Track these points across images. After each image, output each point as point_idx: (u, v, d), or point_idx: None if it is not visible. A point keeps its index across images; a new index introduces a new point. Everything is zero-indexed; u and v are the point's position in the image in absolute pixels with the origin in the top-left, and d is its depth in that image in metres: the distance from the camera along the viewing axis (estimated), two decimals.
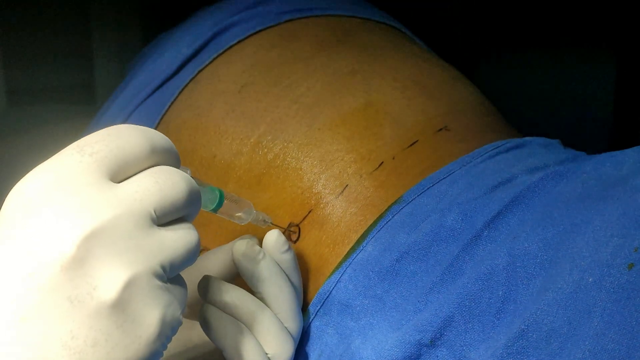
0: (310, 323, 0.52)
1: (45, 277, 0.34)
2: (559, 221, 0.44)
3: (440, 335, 0.46)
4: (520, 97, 0.68)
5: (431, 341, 0.46)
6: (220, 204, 0.47)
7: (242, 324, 0.48)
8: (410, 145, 0.55)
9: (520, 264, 0.44)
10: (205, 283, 0.49)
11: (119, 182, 0.37)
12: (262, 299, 0.49)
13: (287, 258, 0.50)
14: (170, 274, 0.38)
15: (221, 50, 0.64)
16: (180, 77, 0.65)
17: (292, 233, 0.54)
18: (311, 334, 0.52)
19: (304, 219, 0.54)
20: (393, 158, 0.54)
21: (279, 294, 0.49)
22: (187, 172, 0.42)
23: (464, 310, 0.45)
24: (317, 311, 0.52)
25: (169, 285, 0.38)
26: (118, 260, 0.35)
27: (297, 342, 0.50)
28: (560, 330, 0.40)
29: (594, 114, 0.81)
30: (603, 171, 0.47)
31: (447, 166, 0.53)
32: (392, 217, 0.51)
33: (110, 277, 0.35)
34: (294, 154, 0.56)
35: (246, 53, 0.63)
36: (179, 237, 0.38)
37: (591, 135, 0.56)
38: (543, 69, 0.85)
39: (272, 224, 0.52)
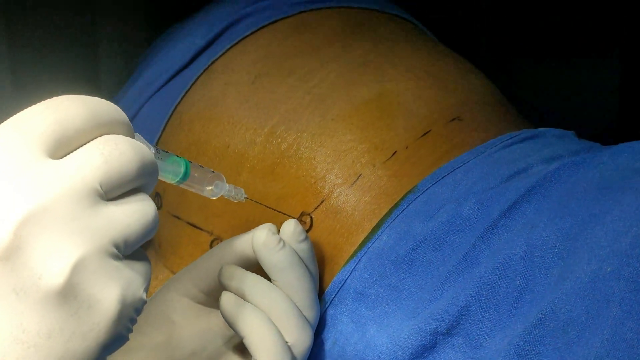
0: (324, 311, 0.52)
1: None
2: (576, 211, 0.44)
3: (457, 324, 0.46)
4: (522, 100, 0.68)
5: (447, 330, 0.46)
6: (185, 176, 0.45)
7: (263, 312, 0.48)
8: (423, 135, 0.55)
9: (538, 253, 0.44)
10: (225, 271, 0.49)
11: (60, 159, 0.34)
12: (280, 288, 0.49)
13: (304, 247, 0.50)
14: (126, 251, 0.35)
15: (235, 42, 0.64)
16: (193, 68, 0.65)
17: (304, 223, 0.54)
18: (325, 322, 0.52)
19: (316, 208, 0.54)
20: (406, 148, 0.55)
21: (298, 283, 0.49)
22: (150, 147, 0.40)
23: (481, 299, 0.45)
24: (332, 299, 0.52)
25: (127, 262, 0.35)
26: (62, 244, 0.32)
27: (314, 330, 0.51)
28: (578, 320, 0.40)
29: (598, 118, 0.81)
30: (620, 161, 0.47)
31: (462, 156, 0.53)
32: (407, 206, 0.51)
33: (56, 262, 0.32)
34: (307, 144, 0.56)
35: (260, 44, 0.63)
36: (133, 211, 0.35)
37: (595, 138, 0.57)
38: (544, 73, 0.85)
39: (248, 198, 0.52)
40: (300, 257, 0.50)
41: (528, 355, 0.42)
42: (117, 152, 0.35)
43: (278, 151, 0.57)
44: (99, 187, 0.34)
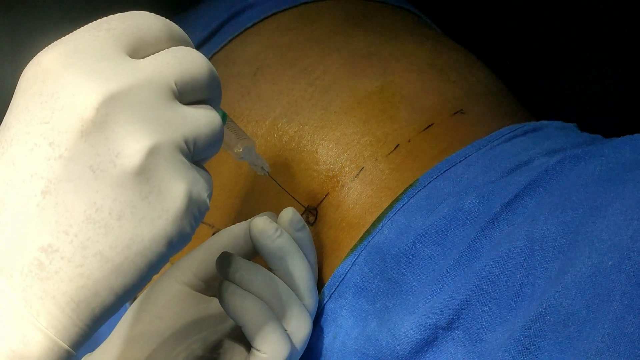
0: (324, 305, 0.52)
1: (65, 146, 0.33)
2: (577, 204, 0.44)
3: (457, 318, 0.45)
4: (524, 94, 0.68)
5: (448, 324, 0.46)
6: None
7: (261, 300, 0.48)
8: (426, 128, 0.55)
9: (539, 247, 0.44)
10: (223, 260, 0.49)
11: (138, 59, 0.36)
12: (278, 276, 0.49)
13: (302, 235, 0.50)
14: (195, 154, 0.37)
15: (236, 33, 0.64)
16: None
17: (310, 215, 0.54)
18: (325, 316, 0.52)
19: (321, 201, 0.54)
20: (409, 141, 0.54)
21: (296, 271, 0.49)
22: None
23: (481, 293, 0.45)
24: (332, 293, 0.52)
25: (194, 165, 0.37)
26: (140, 128, 0.33)
27: (313, 319, 0.51)
28: (579, 314, 0.40)
29: (600, 113, 0.81)
30: (622, 154, 0.46)
31: (463, 149, 0.53)
32: (408, 200, 0.51)
33: (133, 143, 0.33)
34: (309, 137, 0.56)
35: (262, 35, 0.63)
36: (202, 115, 0.37)
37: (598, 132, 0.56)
38: (547, 67, 0.85)
39: (269, 174, 0.52)
40: (298, 246, 0.50)
41: (528, 349, 0.42)
42: (190, 57, 0.37)
43: (280, 144, 0.56)
44: (174, 86, 0.36)
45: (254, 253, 0.51)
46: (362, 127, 0.55)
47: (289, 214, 0.50)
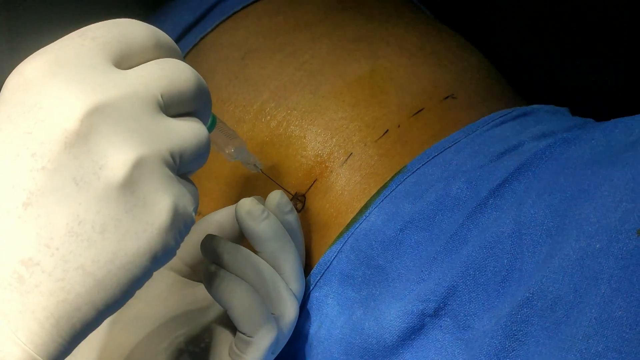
0: (310, 293, 0.51)
1: (48, 157, 0.32)
2: (565, 187, 0.43)
3: (444, 305, 0.45)
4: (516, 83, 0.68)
5: (435, 311, 0.45)
6: (209, 129, 0.45)
7: (247, 284, 0.47)
8: (416, 113, 0.54)
9: (526, 231, 0.43)
10: (208, 242, 0.48)
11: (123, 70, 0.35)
12: (265, 259, 0.48)
13: (290, 219, 0.50)
14: (181, 167, 0.36)
15: (225, 17, 0.63)
16: (182, 44, 0.64)
17: (298, 202, 0.53)
18: (310, 304, 0.52)
19: (309, 188, 0.53)
20: (398, 126, 0.54)
21: (282, 254, 0.48)
22: None
23: (468, 279, 0.44)
24: (317, 281, 0.51)
25: (180, 179, 0.36)
26: (124, 140, 0.33)
27: (300, 303, 0.50)
28: (566, 298, 0.39)
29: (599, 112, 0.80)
30: (612, 137, 0.46)
31: (453, 135, 0.52)
32: (397, 186, 0.50)
33: (117, 156, 0.33)
34: (297, 122, 0.55)
35: (250, 20, 0.62)
36: (189, 128, 0.36)
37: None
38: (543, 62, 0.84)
39: (262, 171, 0.52)
40: (285, 229, 0.49)
41: (515, 335, 0.41)
42: (177, 69, 0.36)
43: (267, 129, 0.56)
44: (160, 98, 0.35)
45: (241, 237, 0.50)
46: (350, 112, 0.54)
47: (276, 197, 0.49)
